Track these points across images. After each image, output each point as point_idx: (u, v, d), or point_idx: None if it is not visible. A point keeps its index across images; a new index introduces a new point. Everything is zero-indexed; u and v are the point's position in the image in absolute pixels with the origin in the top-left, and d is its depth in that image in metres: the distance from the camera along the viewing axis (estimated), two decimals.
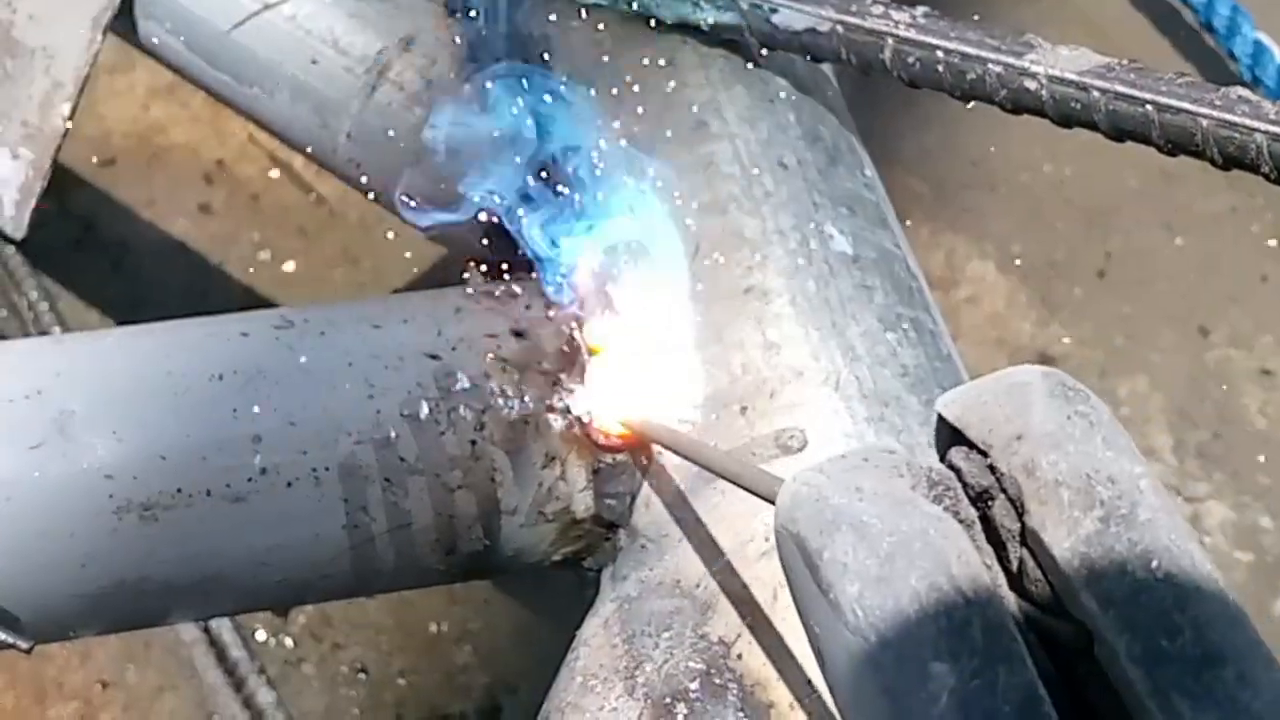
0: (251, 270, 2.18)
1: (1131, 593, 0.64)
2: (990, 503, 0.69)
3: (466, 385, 1.19)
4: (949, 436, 0.71)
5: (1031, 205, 2.35)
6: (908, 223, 1.40)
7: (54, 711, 1.82)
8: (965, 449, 0.70)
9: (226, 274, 2.17)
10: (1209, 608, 0.64)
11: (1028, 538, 0.67)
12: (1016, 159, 2.38)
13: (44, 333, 2.00)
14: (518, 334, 1.22)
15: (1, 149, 1.36)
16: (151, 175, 2.25)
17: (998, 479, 0.69)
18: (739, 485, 0.95)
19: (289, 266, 2.19)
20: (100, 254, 2.16)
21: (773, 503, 0.77)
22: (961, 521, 0.68)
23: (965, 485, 0.69)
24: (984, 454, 0.69)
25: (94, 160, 2.24)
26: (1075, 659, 0.65)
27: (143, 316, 1.27)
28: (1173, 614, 0.64)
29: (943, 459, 0.71)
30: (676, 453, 1.12)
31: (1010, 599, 0.67)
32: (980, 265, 2.27)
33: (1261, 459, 2.12)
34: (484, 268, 1.27)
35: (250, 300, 2.12)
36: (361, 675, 1.89)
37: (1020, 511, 0.68)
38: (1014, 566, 0.68)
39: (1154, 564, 0.65)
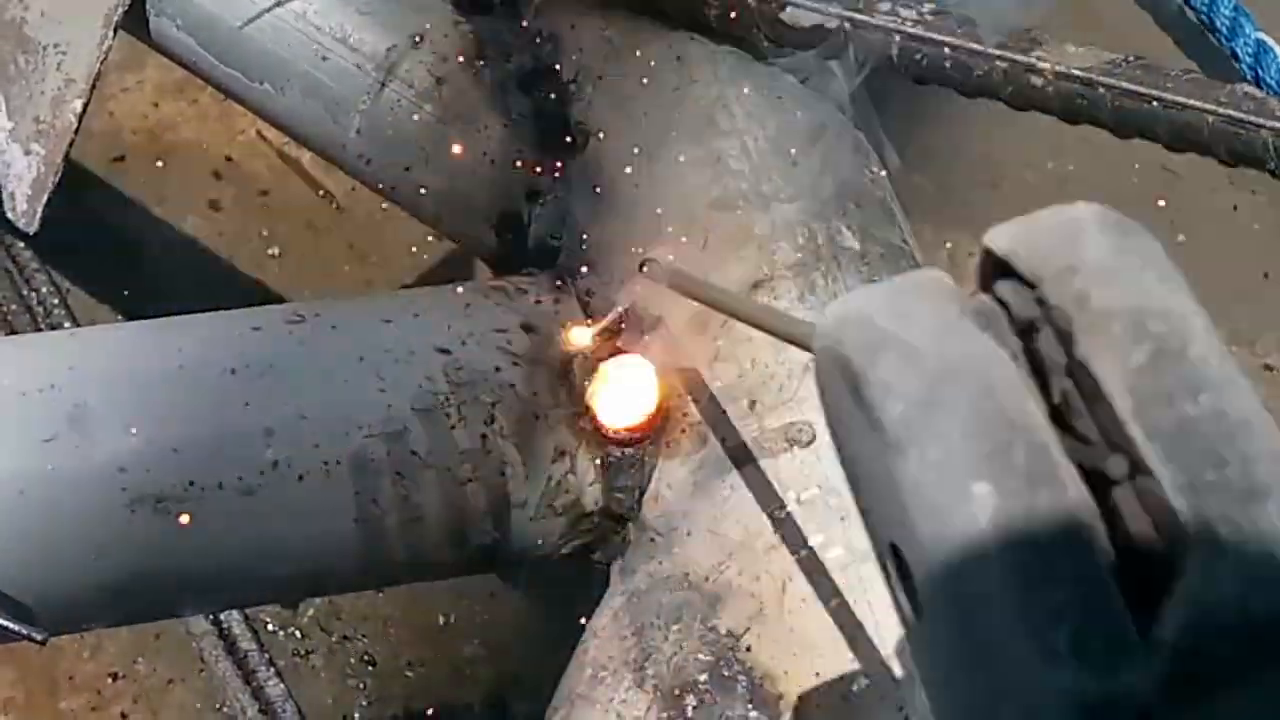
0: (259, 265, 2.18)
1: (1179, 424, 0.63)
2: (1035, 335, 0.67)
3: (477, 379, 1.19)
4: (994, 271, 0.69)
5: (1034, 202, 2.32)
6: (911, 220, 1.41)
7: (65, 704, 1.83)
8: (1013, 282, 0.68)
9: (235, 269, 2.17)
10: (1255, 443, 0.63)
11: (1074, 369, 0.65)
12: (1019, 156, 2.37)
13: (55, 327, 2.00)
14: (527, 329, 1.23)
15: (14, 145, 1.37)
16: (161, 172, 2.24)
17: (1046, 311, 0.67)
18: (771, 332, 0.94)
19: (297, 262, 2.20)
20: (110, 249, 2.16)
21: (806, 348, 0.77)
22: (1008, 352, 0.67)
23: (1010, 318, 0.68)
24: (1032, 286, 0.67)
25: (104, 157, 2.24)
26: (1115, 490, 0.63)
27: (152, 311, 1.28)
28: (1220, 447, 0.62)
29: (987, 292, 0.70)
30: (702, 301, 1.10)
31: (1054, 433, 0.65)
32: None
33: None
34: (493, 264, 1.28)
35: (259, 295, 2.12)
36: (369, 667, 1.89)
37: (1068, 343, 0.66)
38: (1056, 399, 0.66)
39: (1202, 397, 0.63)
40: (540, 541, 1.23)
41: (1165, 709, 0.60)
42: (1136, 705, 0.60)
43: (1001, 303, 0.68)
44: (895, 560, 0.68)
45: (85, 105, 1.37)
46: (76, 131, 1.37)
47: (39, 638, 1.06)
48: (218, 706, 1.84)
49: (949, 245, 2.23)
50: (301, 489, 1.16)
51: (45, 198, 1.37)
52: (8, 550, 1.11)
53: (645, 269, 1.13)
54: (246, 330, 1.21)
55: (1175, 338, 0.65)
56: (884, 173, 1.31)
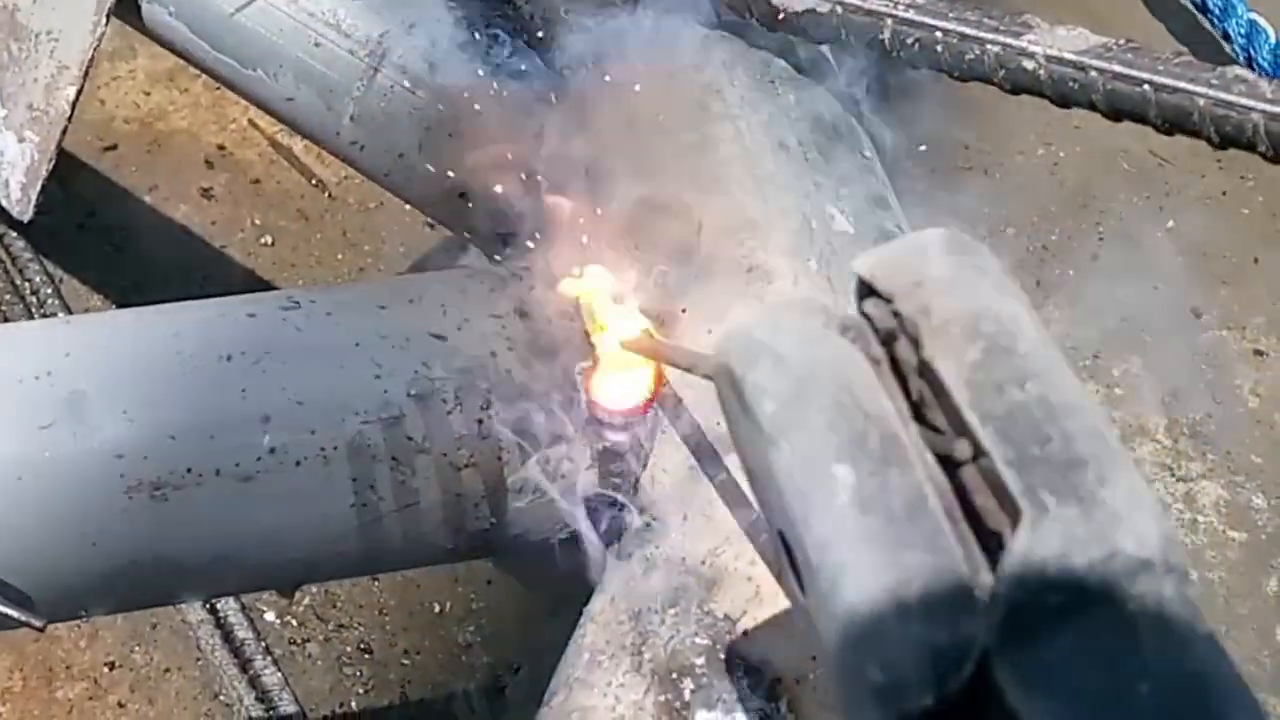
0: (252, 254, 2.18)
1: (1008, 409, 0.73)
2: (895, 343, 0.78)
3: (472, 365, 1.20)
4: (861, 291, 0.81)
5: (1025, 188, 2.36)
6: (901, 206, 1.41)
7: (62, 692, 1.83)
8: (874, 299, 0.79)
9: (228, 257, 2.17)
10: (1075, 421, 0.73)
11: (924, 369, 0.76)
12: (1010, 143, 2.39)
13: (48, 316, 2.01)
14: (522, 314, 1.23)
15: (7, 132, 1.37)
16: (153, 160, 2.25)
17: (899, 321, 0.78)
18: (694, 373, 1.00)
19: (289, 250, 2.20)
20: (103, 238, 2.16)
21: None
22: (872, 359, 0.78)
23: (874, 329, 0.79)
24: (889, 301, 0.78)
25: (96, 145, 2.24)
26: (964, 471, 0.74)
27: (144, 299, 1.28)
28: (1043, 426, 0.72)
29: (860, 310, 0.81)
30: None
31: (912, 424, 0.76)
32: None
33: (1254, 439, 2.13)
34: (488, 250, 1.28)
35: (251, 283, 2.12)
36: (366, 655, 1.89)
37: (918, 347, 0.76)
38: (915, 397, 0.77)
39: (1028, 385, 0.73)
40: (537, 526, 1.23)
41: (1002, 651, 0.70)
42: (977, 649, 0.70)
43: (867, 317, 0.79)
44: (784, 545, 0.77)
45: (79, 92, 1.37)
46: (70, 119, 1.37)
47: (38, 624, 1.06)
48: (215, 695, 1.84)
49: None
50: (299, 475, 1.16)
51: (39, 185, 1.37)
52: (6, 537, 1.12)
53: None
54: (242, 317, 1.21)
55: (1005, 335, 0.75)
56: (876, 158, 1.31)
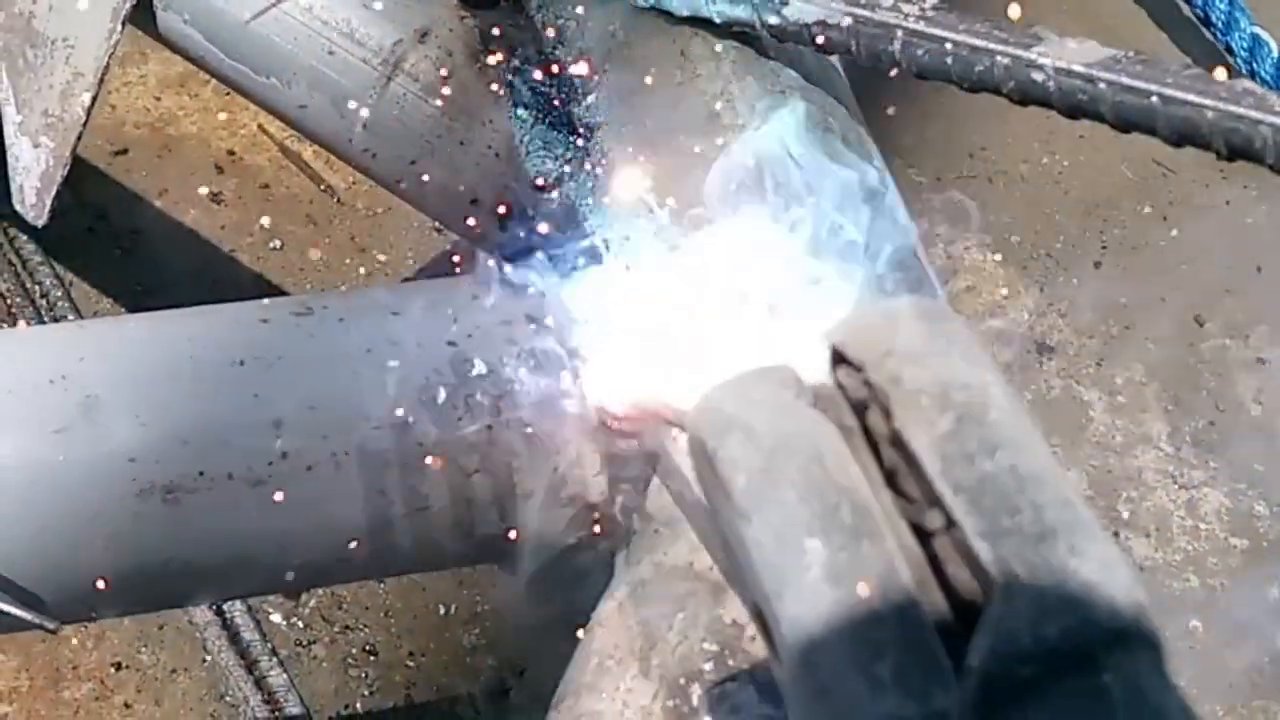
0: (261, 258, 2.18)
1: (979, 480, 0.72)
2: (866, 411, 0.78)
3: (483, 371, 1.20)
4: (834, 360, 0.80)
5: (1029, 197, 2.38)
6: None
7: (69, 693, 1.84)
8: (847, 367, 0.79)
9: (237, 262, 2.18)
10: (1046, 492, 0.72)
11: (895, 440, 0.76)
12: (1015, 151, 2.40)
13: (58, 319, 2.01)
14: (532, 320, 1.24)
15: (23, 138, 1.38)
16: (163, 165, 2.25)
17: (871, 391, 0.77)
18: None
19: (298, 255, 2.20)
20: (113, 241, 2.16)
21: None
22: (845, 428, 0.77)
23: (847, 398, 0.79)
24: (859, 370, 0.78)
25: (107, 149, 2.24)
26: (937, 540, 0.73)
27: (154, 303, 1.28)
28: (1014, 496, 0.72)
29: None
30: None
31: (885, 492, 0.75)
32: (979, 255, 2.30)
33: (1255, 446, 2.14)
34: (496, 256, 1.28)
35: (260, 288, 2.13)
36: (371, 657, 1.90)
37: (889, 417, 0.76)
38: (887, 466, 0.76)
39: (999, 455, 0.73)
40: (546, 532, 1.24)
41: None
42: None
43: (840, 386, 0.79)
44: (759, 619, 0.77)
45: (94, 99, 1.38)
46: (85, 125, 1.37)
47: (50, 626, 1.07)
48: (221, 696, 1.85)
49: (940, 237, 2.24)
50: (310, 480, 1.16)
51: (54, 190, 1.37)
52: (18, 540, 1.12)
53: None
54: (255, 322, 1.21)
55: (976, 405, 0.75)
56: (885, 168, 1.32)
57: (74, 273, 2.11)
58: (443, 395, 1.19)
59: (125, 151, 2.25)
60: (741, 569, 0.78)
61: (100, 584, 1.15)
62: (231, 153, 2.27)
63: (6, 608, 1.05)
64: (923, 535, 0.74)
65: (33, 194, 1.37)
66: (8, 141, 1.40)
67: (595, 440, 1.21)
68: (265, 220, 2.20)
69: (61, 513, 1.13)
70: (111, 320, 1.41)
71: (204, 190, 2.22)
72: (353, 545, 1.19)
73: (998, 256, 2.29)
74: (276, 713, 1.81)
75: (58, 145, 1.36)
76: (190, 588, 1.21)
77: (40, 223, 1.38)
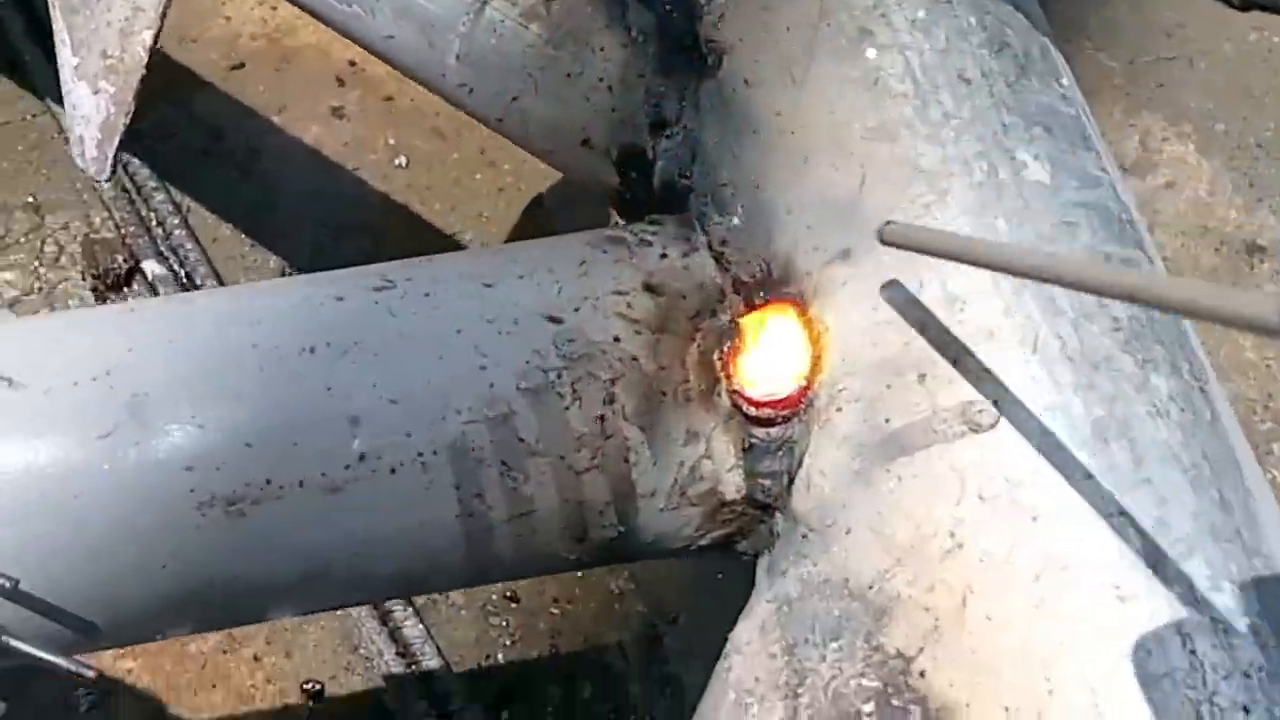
0: (386, 176, 2.09)
1: None
2: None
3: (593, 352, 1.04)
4: None
5: (1235, 79, 2.23)
6: (1099, 102, 1.24)
7: (195, 646, 1.76)
8: None
9: (360, 180, 2.09)
10: None
11: None
12: (1217, 27, 2.26)
13: (175, 249, 1.92)
14: (651, 289, 1.06)
15: (80, 83, 1.22)
16: (281, 79, 2.17)
17: None
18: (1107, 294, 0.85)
19: (425, 172, 2.09)
20: (229, 162, 2.09)
21: (1259, 332, 0.67)
22: None
23: None
24: None
25: (222, 65, 2.17)
26: None
27: (273, 227, 1.15)
28: None
29: None
30: (969, 262, 0.94)
31: None
32: (1179, 147, 2.15)
33: None
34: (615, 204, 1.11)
35: (386, 208, 2.03)
36: (512, 604, 1.81)
37: None
38: None
39: None
40: (673, 534, 1.08)
41: None
42: None
43: None
44: None
45: (156, 36, 1.23)
46: (148, 66, 1.21)
47: (89, 674, 0.93)
48: (355, 648, 1.78)
49: (1135, 128, 2.12)
50: (394, 484, 1.02)
51: (116, 140, 1.22)
52: (63, 560, 0.99)
53: (884, 233, 0.97)
54: (328, 300, 1.05)
55: None
56: (1075, 86, 1.10)
57: (190, 196, 2.04)
58: (546, 381, 1.04)
59: (241, 66, 2.18)
60: None
61: (161, 606, 1.01)
62: (353, 63, 2.16)
63: (36, 653, 0.91)
64: None
65: (93, 145, 1.22)
66: (65, 88, 1.25)
67: (729, 429, 1.03)
68: (390, 136, 2.08)
69: (111, 530, 1.00)
70: (163, 301, 1.26)
71: (325, 105, 2.12)
72: (445, 555, 1.04)
73: (1200, 148, 2.16)
74: (413, 665, 1.75)
75: (119, 90, 1.21)
76: (265, 603, 1.08)
77: (104, 177, 1.23)
